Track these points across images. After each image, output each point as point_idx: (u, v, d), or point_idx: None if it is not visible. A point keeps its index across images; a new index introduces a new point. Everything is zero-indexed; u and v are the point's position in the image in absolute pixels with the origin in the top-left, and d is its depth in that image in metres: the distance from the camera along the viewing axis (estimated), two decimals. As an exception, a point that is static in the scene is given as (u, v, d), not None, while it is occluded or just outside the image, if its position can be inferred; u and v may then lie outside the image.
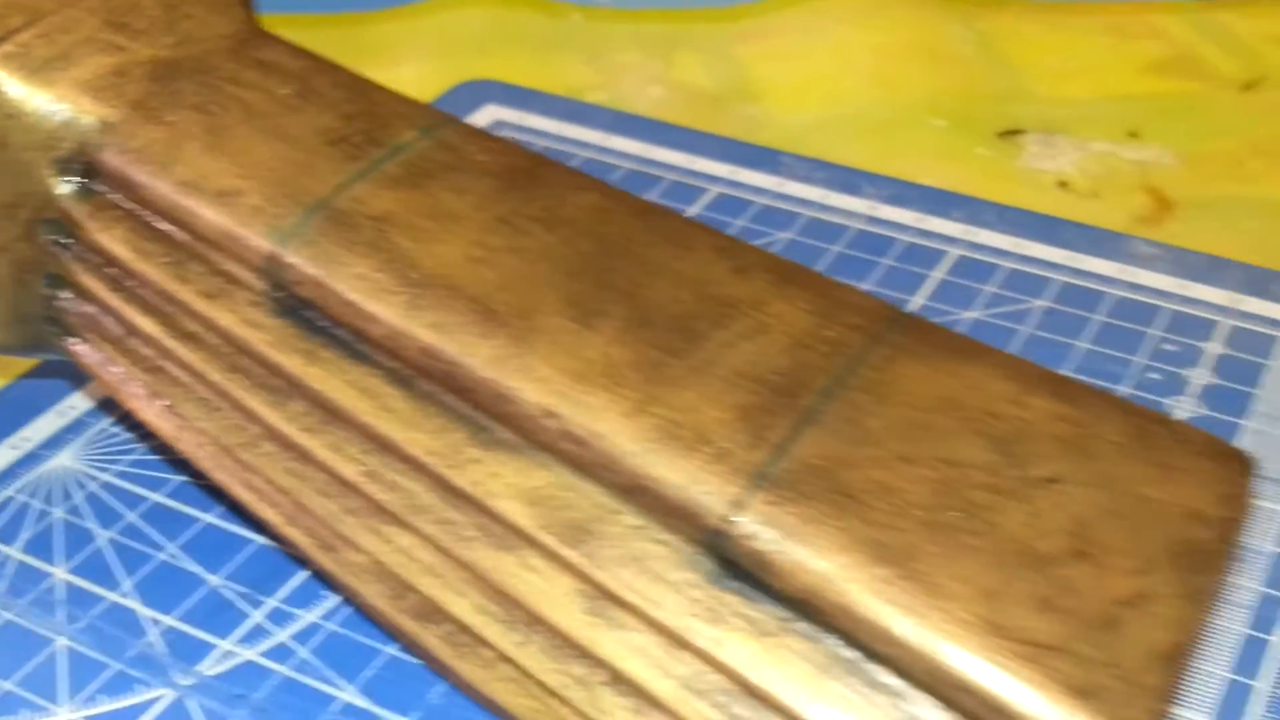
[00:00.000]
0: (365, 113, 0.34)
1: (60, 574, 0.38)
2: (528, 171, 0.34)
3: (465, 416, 0.31)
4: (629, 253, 0.32)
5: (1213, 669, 0.36)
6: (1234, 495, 0.30)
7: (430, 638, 0.33)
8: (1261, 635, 0.37)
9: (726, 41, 0.64)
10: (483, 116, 0.56)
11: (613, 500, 0.30)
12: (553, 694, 0.31)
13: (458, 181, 0.33)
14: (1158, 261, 0.49)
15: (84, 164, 0.34)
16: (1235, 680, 0.36)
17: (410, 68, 0.60)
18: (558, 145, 0.55)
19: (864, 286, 0.48)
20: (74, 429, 0.42)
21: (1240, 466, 0.31)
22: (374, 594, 0.33)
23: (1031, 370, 0.32)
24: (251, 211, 0.32)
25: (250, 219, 0.32)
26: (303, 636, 0.37)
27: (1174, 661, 0.27)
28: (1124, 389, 0.44)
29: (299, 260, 0.31)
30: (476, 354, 0.30)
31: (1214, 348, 0.46)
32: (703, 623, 0.29)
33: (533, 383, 0.30)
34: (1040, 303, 0.48)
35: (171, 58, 0.34)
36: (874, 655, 0.28)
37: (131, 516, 0.40)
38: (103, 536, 0.39)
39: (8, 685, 0.35)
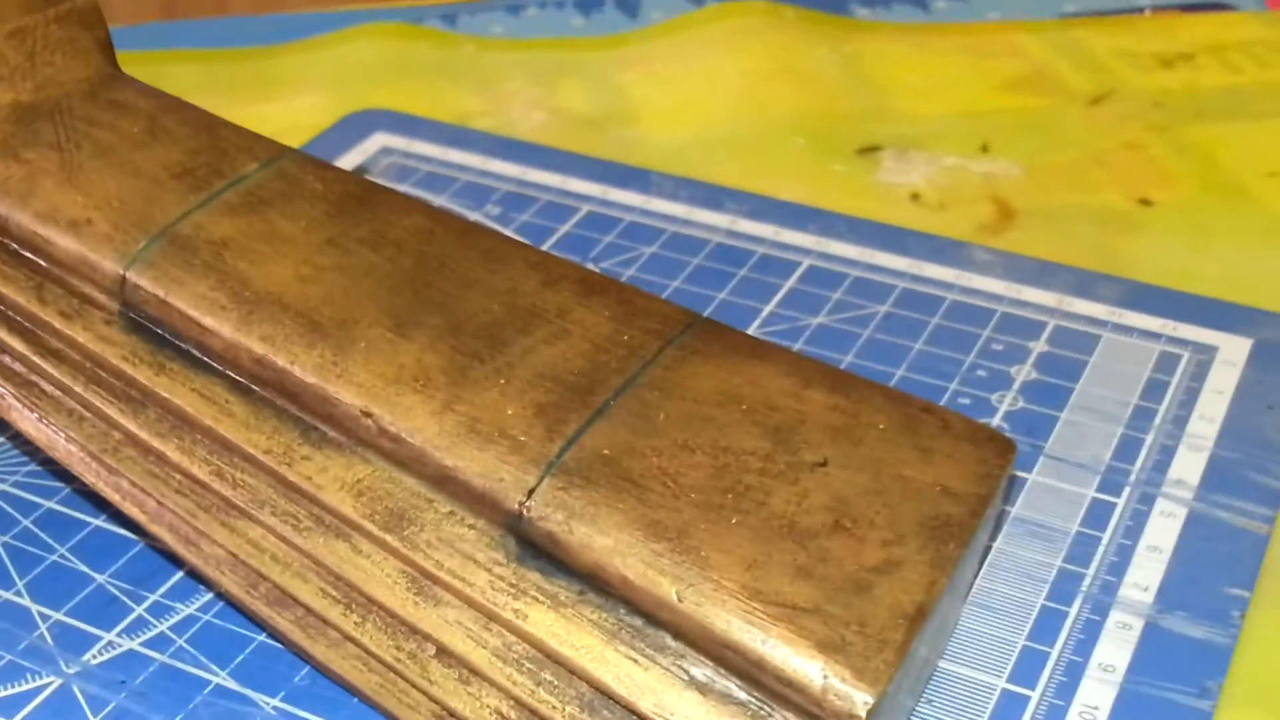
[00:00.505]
0: (210, 147, 0.38)
1: (-43, 576, 0.41)
2: (359, 197, 0.37)
3: (296, 418, 0.34)
4: (447, 269, 0.36)
5: (1011, 636, 0.40)
6: (987, 474, 0.34)
7: (283, 622, 0.36)
8: (1059, 606, 0.41)
9: (607, 69, 0.67)
10: (371, 144, 0.60)
11: (427, 490, 0.33)
12: (390, 669, 0.35)
13: (292, 208, 0.37)
14: (993, 267, 0.53)
15: (-46, 200, 0.37)
16: (1030, 647, 0.39)
17: (307, 99, 0.63)
18: (441, 169, 0.58)
19: (721, 296, 0.51)
20: (-27, 443, 0.46)
21: (996, 448, 0.35)
22: (231, 584, 0.36)
23: (812, 367, 0.36)
24: (101, 239, 0.35)
25: (100, 246, 0.35)
26: (180, 628, 0.40)
27: (917, 620, 0.31)
28: (953, 386, 0.47)
29: (144, 282, 0.35)
30: (302, 362, 0.33)
31: (1039, 346, 0.49)
32: (508, 597, 0.32)
33: (351, 387, 0.33)
34: (882, 308, 0.51)
35: (31, 101, 0.38)
36: (655, 621, 0.31)
37: (25, 522, 0.43)
38: (-2, 541, 0.42)
39: (-96, 677, 0.38)
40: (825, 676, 0.30)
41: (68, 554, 0.42)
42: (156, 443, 0.35)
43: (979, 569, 0.41)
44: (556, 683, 0.32)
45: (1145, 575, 0.41)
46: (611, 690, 0.31)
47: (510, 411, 0.33)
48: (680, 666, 0.31)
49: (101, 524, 0.43)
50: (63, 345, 0.36)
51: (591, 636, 0.32)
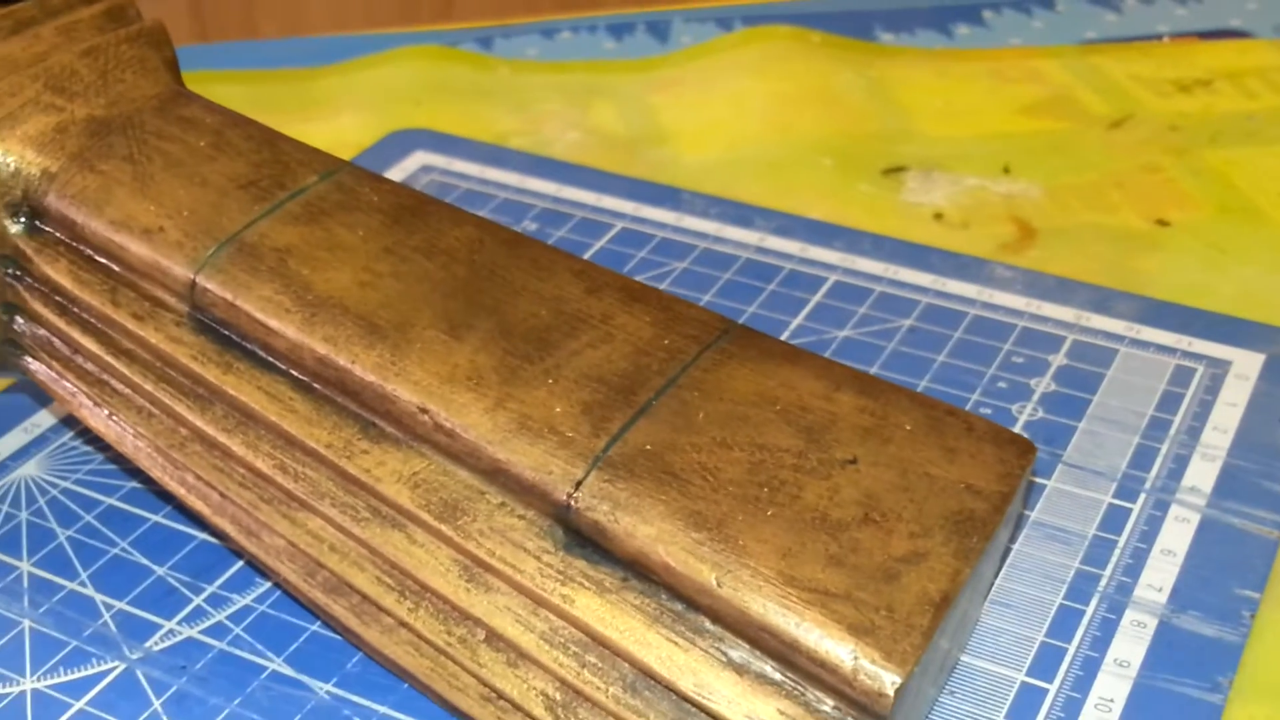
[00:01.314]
0: (272, 160, 0.40)
1: (25, 567, 0.43)
2: (412, 209, 0.40)
3: (355, 415, 0.36)
4: (497, 276, 0.38)
5: (1030, 633, 0.42)
6: (1008, 473, 0.36)
7: (339, 609, 0.38)
8: (1077, 605, 0.42)
9: (639, 91, 0.69)
10: (412, 162, 0.62)
11: (479, 482, 0.35)
12: (441, 652, 0.37)
13: (350, 218, 0.39)
14: (1014, 283, 0.55)
15: (31, 207, 0.39)
16: (1049, 643, 0.41)
17: (349, 118, 0.65)
18: (479, 187, 0.60)
19: (750, 310, 0.53)
20: (38, 443, 0.48)
21: (1017, 450, 0.37)
22: (290, 572, 0.38)
23: (842, 371, 0.38)
24: (173, 246, 0.37)
25: (172, 252, 0.37)
26: (237, 617, 0.42)
27: (942, 607, 0.33)
28: (975, 396, 0.49)
29: (213, 286, 0.37)
30: (362, 362, 0.36)
31: (1058, 360, 0.51)
32: (556, 584, 0.34)
33: (409, 385, 0.35)
34: (906, 322, 0.53)
35: (105, 116, 0.40)
36: (695, 606, 0.33)
37: (88, 517, 0.45)
38: (63, 535, 0.44)
39: (-23, 661, 0.40)
40: (856, 658, 0.31)
41: (129, 547, 0.44)
42: (222, 438, 0.37)
43: (1000, 568, 0.42)
44: (601, 664, 0.34)
45: (1159, 577, 0.43)
46: (653, 671, 0.33)
47: (558, 409, 0.35)
48: (719, 649, 0.33)
49: (161, 519, 0.45)
50: (134, 345, 0.38)
51: (634, 620, 0.34)
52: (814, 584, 0.32)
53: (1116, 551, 0.44)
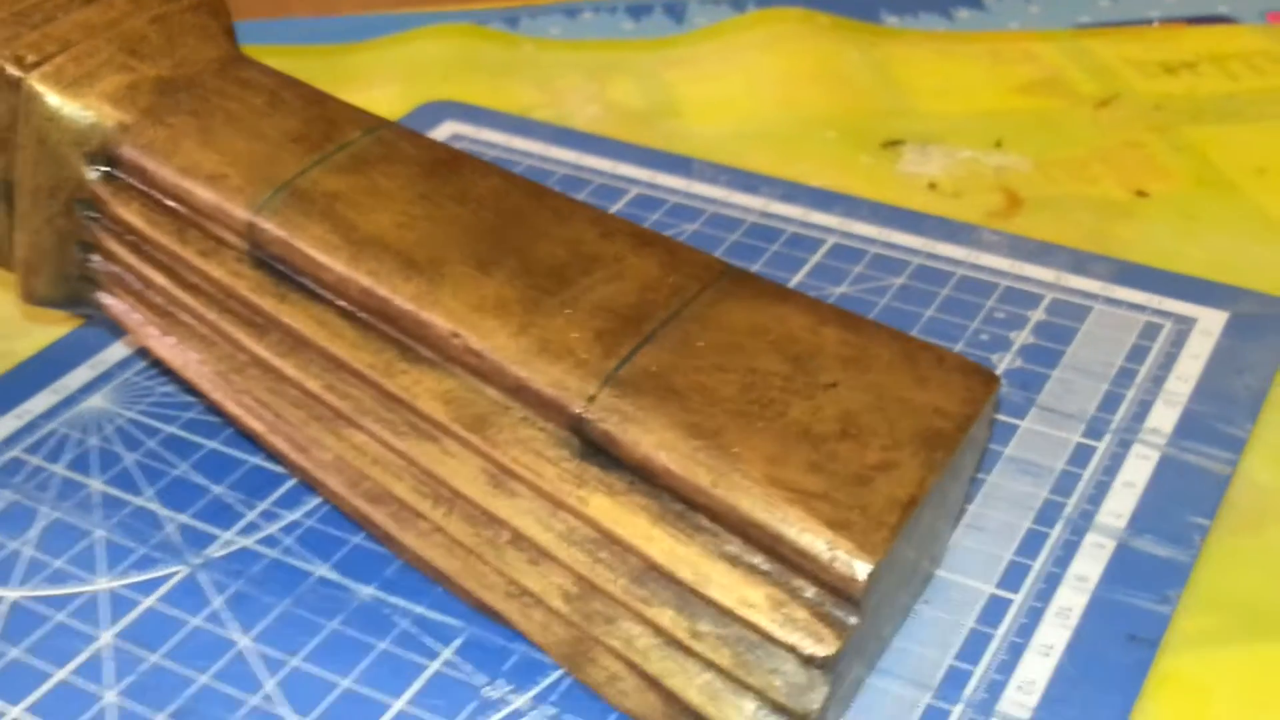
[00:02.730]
0: (321, 117, 0.45)
1: (96, 485, 0.48)
2: (446, 162, 0.44)
3: (395, 340, 0.41)
4: (521, 221, 0.43)
5: (1000, 552, 0.46)
6: (972, 398, 0.40)
7: (380, 516, 0.43)
8: (1043, 529, 0.47)
9: (655, 67, 0.74)
10: (442, 131, 0.67)
11: (504, 398, 0.40)
12: (471, 553, 0.41)
13: (390, 168, 0.43)
14: (999, 247, 0.59)
15: (107, 156, 0.44)
16: (1017, 561, 0.46)
17: (381, 90, 0.70)
18: (505, 155, 0.65)
19: (754, 268, 0.58)
20: (104, 378, 0.52)
21: (982, 379, 0.41)
22: (337, 484, 0.43)
23: (828, 309, 0.42)
24: (234, 190, 0.42)
25: (233, 196, 0.42)
26: (288, 530, 0.47)
27: (909, 507, 0.37)
28: (958, 347, 0.54)
29: (270, 226, 0.42)
30: (401, 292, 0.40)
31: (1037, 315, 0.56)
32: (572, 487, 0.39)
33: (442, 313, 0.40)
34: (898, 280, 0.58)
35: (172, 76, 0.45)
36: (694, 505, 0.38)
37: (151, 443, 0.50)
38: (129, 458, 0.49)
39: (59, 564, 0.45)
40: (832, 548, 0.36)
41: (189, 469, 0.49)
42: (277, 362, 0.42)
43: (969, 494, 0.47)
44: (611, 559, 0.39)
45: (1120, 505, 0.48)
46: (657, 563, 0.38)
47: (574, 335, 0.39)
48: (714, 543, 0.38)
49: (218, 445, 0.49)
50: (199, 279, 0.43)
51: (640, 519, 0.38)
52: (796, 486, 0.37)
53: (1081, 483, 0.48)
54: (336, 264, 0.41)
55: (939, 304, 0.56)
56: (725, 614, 0.37)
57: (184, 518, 0.47)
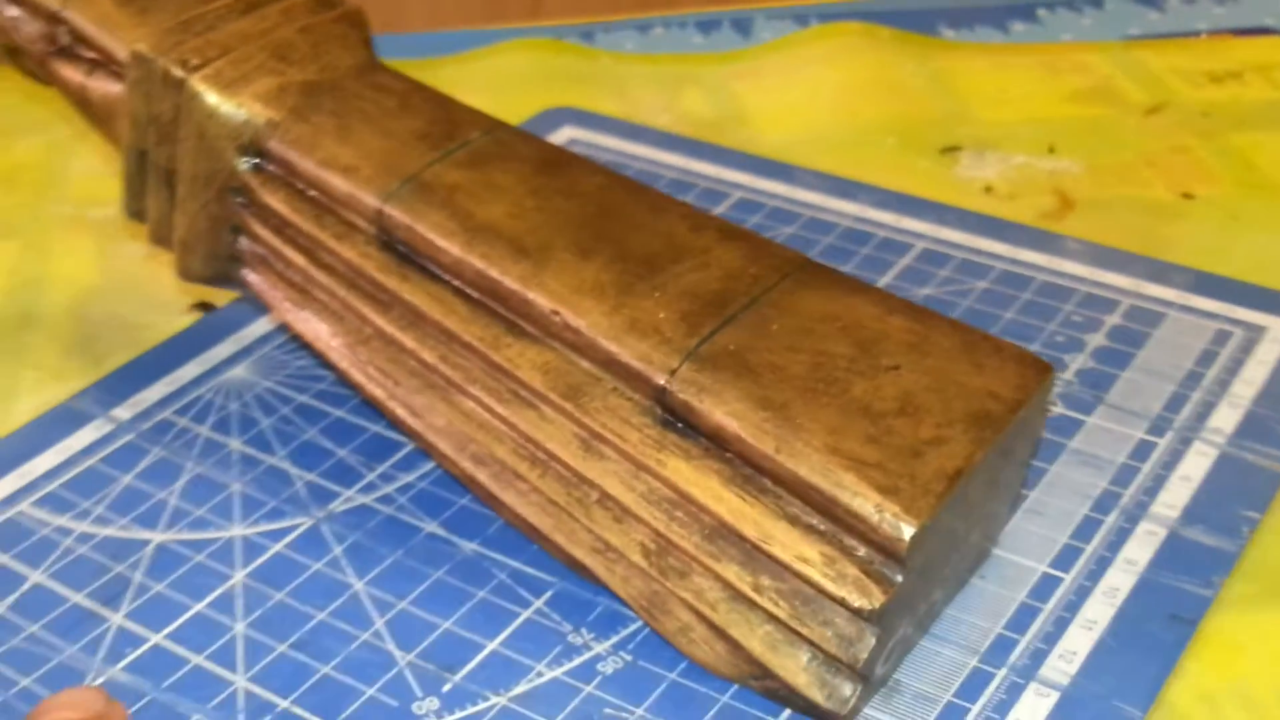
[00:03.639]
0: (444, 119, 0.50)
1: (235, 445, 0.54)
2: (555, 160, 0.49)
3: (502, 316, 0.46)
4: (620, 215, 0.47)
5: (1056, 535, 0.49)
6: (1024, 385, 0.44)
7: (484, 476, 0.47)
8: (1099, 516, 0.50)
9: (724, 79, 0.79)
10: (561, 135, 0.72)
11: (596, 370, 0.44)
12: (563, 511, 0.46)
13: (505, 165, 0.48)
14: (1081, 255, 0.63)
15: (257, 149, 0.49)
16: (1071, 544, 0.49)
17: (472, 100, 0.75)
18: (619, 159, 0.70)
19: (845, 268, 0.62)
20: (247, 350, 0.58)
21: (1037, 369, 0.45)
22: (447, 447, 0.48)
23: (896, 301, 0.46)
24: (366, 181, 0.47)
25: (365, 186, 0.47)
26: (402, 490, 0.52)
27: (955, 479, 0.41)
28: (1034, 348, 0.57)
29: (396, 213, 0.47)
30: (510, 274, 0.45)
31: (1112, 320, 0.59)
32: (653, 451, 0.43)
33: (545, 293, 0.45)
34: (982, 284, 0.61)
35: (316, 79, 0.50)
36: (760, 470, 0.42)
37: (286, 410, 0.55)
38: (265, 422, 0.55)
39: (200, 512, 0.51)
40: (881, 511, 0.40)
41: (318, 434, 0.54)
42: (397, 335, 0.47)
43: (1025, 479, 0.50)
44: (685, 518, 0.43)
45: (1174, 497, 0.51)
46: (725, 521, 0.42)
47: (661, 315, 0.44)
48: (777, 505, 0.42)
49: (344, 414, 0.55)
50: (332, 260, 0.48)
51: (713, 481, 0.42)
52: (853, 455, 0.41)
53: (1140, 476, 0.52)
54: (453, 248, 0.46)
55: (1019, 307, 0.60)
56: (784, 569, 0.41)
57: (311, 476, 0.52)
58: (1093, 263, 0.62)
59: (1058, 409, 0.55)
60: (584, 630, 0.46)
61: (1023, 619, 0.47)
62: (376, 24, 0.54)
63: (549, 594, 0.48)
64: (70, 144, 0.73)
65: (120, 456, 0.53)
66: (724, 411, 0.42)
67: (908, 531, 0.40)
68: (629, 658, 0.45)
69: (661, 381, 0.43)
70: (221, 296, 0.60)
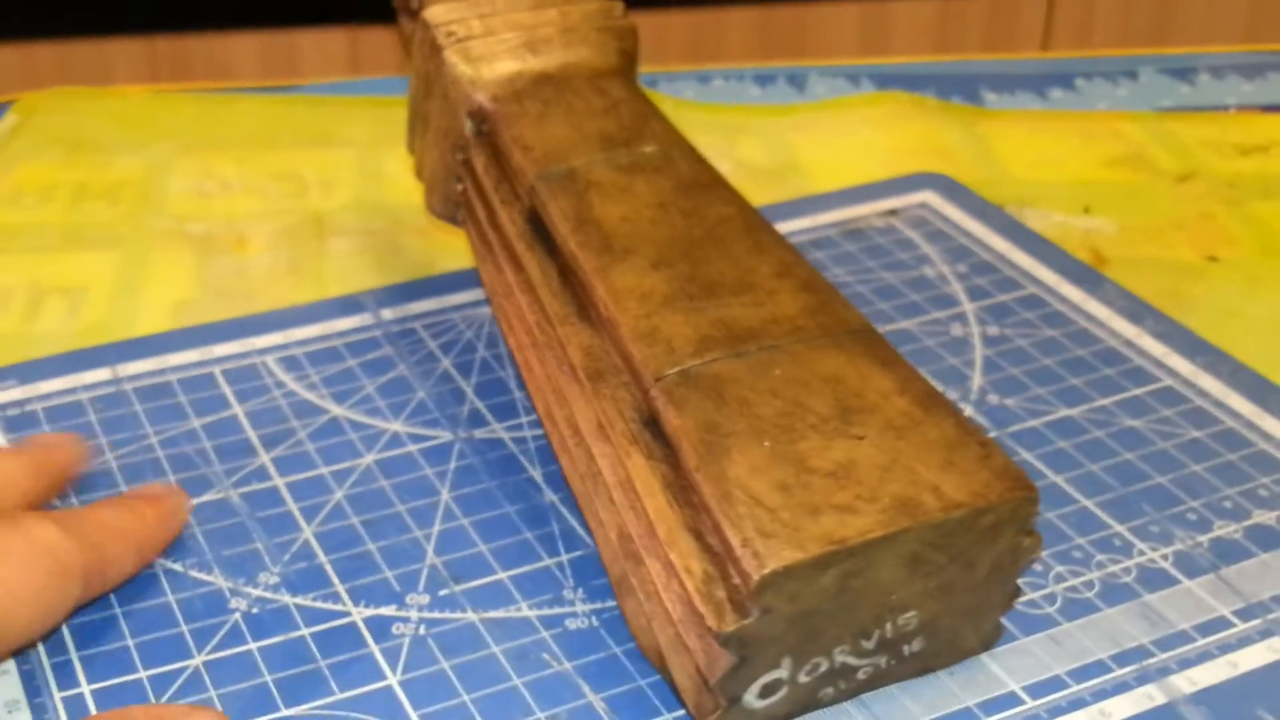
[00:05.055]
0: (634, 128, 0.56)
1: (445, 363, 0.63)
2: (703, 184, 0.55)
3: (578, 299, 0.52)
4: (719, 244, 0.52)
5: (1055, 669, 0.50)
6: (982, 494, 0.45)
7: (553, 435, 0.54)
8: (1110, 665, 0.50)
9: (779, 130, 0.84)
10: (916, 197, 0.76)
11: (620, 363, 0.50)
12: (584, 481, 0.52)
13: (654, 178, 0.54)
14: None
15: (480, 117, 0.58)
16: (1060, 677, 0.49)
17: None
18: (966, 240, 0.73)
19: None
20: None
21: (1012, 485, 0.45)
22: (539, 403, 0.55)
23: (920, 386, 0.48)
24: (534, 161, 0.55)
25: (530, 164, 0.55)
26: (537, 438, 0.59)
27: (839, 547, 0.44)
28: (1197, 507, 0.56)
29: (541, 191, 0.54)
30: (587, 265, 0.52)
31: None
32: (627, 444, 0.48)
33: (605, 287, 0.51)
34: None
35: (551, 73, 0.58)
36: (688, 484, 0.46)
37: (501, 349, 0.64)
38: (479, 353, 0.64)
39: (380, 403, 0.61)
40: (745, 546, 0.43)
41: (507, 374, 0.63)
42: (519, 295, 0.55)
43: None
44: (638, 510, 0.48)
45: (1203, 675, 0.49)
46: (651, 519, 0.47)
47: (684, 331, 0.49)
48: (693, 517, 0.46)
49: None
50: (500, 221, 0.57)
51: (656, 483, 0.47)
52: (756, 494, 0.45)
53: (1188, 646, 0.50)
54: (562, 230, 0.53)
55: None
56: (674, 575, 0.46)
57: (479, 404, 0.61)
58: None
59: (1167, 563, 0.54)
60: (580, 590, 0.52)
61: None
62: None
63: (578, 554, 0.54)
64: (169, 162, 0.80)
65: (359, 345, 0.64)
66: (677, 423, 0.47)
67: (758, 572, 0.43)
68: (595, 623, 0.51)
69: (647, 385, 0.48)
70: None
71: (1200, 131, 0.85)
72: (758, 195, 0.76)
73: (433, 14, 0.59)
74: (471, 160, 0.58)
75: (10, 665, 0.49)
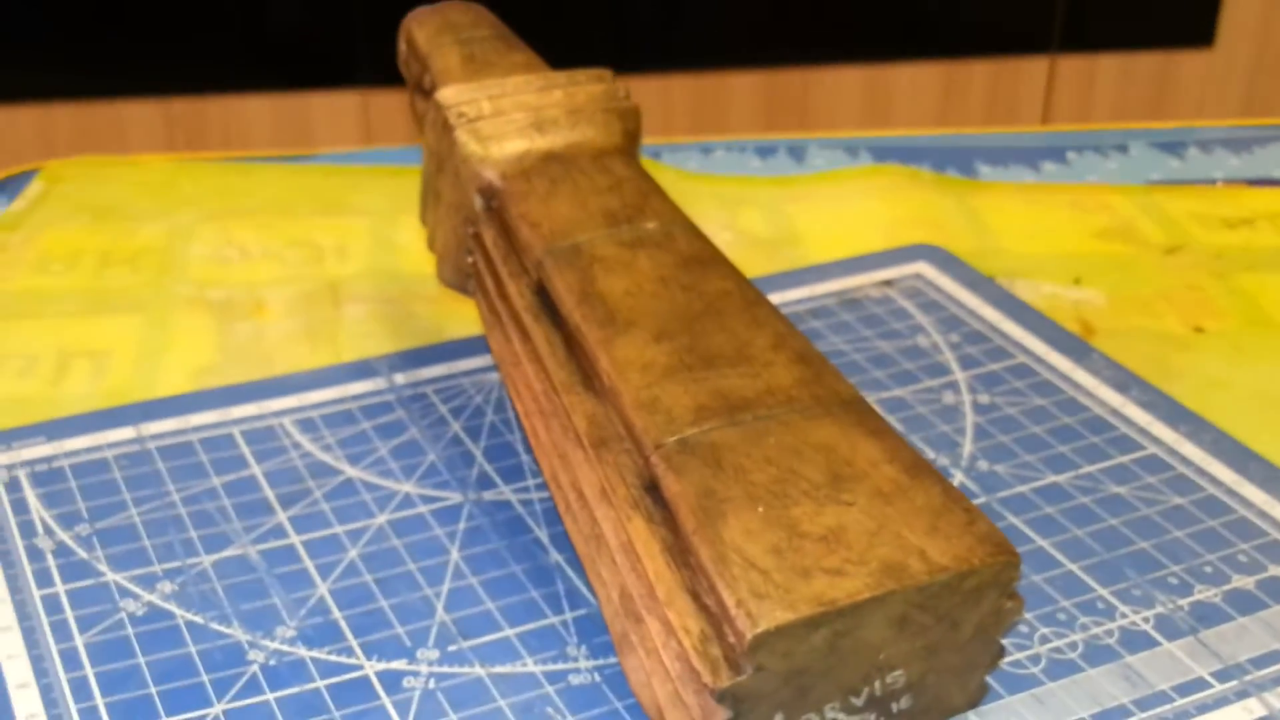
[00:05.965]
0: (637, 205, 0.59)
1: (455, 426, 0.66)
2: (702, 260, 0.57)
3: (583, 370, 0.55)
4: (718, 317, 0.55)
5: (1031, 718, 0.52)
6: (964, 558, 0.48)
7: (558, 499, 0.57)
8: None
9: (779, 201, 0.87)
10: (910, 268, 0.79)
11: (622, 431, 0.53)
12: (588, 543, 0.54)
13: (655, 254, 0.57)
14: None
15: (489, 193, 0.61)
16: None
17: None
18: (960, 312, 0.75)
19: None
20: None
21: (993, 551, 0.48)
22: (546, 467, 0.58)
23: (908, 455, 0.51)
24: (540, 236, 0.58)
25: (538, 240, 0.58)
26: (543, 501, 0.62)
27: (829, 608, 0.46)
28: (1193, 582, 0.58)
29: (546, 265, 0.57)
30: (592, 336, 0.54)
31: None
32: (629, 509, 0.51)
33: (608, 358, 0.53)
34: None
35: (557, 151, 0.61)
36: (686, 547, 0.49)
37: (509, 414, 0.67)
38: (488, 418, 0.66)
39: (393, 465, 0.63)
40: (740, 606, 0.46)
41: (517, 439, 0.65)
42: (526, 364, 0.57)
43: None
44: (639, 572, 0.50)
45: (1183, 735, 0.52)
46: (650, 581, 0.49)
47: (683, 402, 0.51)
48: (691, 579, 0.48)
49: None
50: (507, 293, 0.59)
51: (655, 546, 0.49)
52: (751, 557, 0.47)
53: (1165, 707, 0.52)
54: (568, 303, 0.56)
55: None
56: (672, 634, 0.48)
57: (488, 467, 0.63)
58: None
59: (1149, 625, 0.56)
60: (583, 647, 0.55)
61: (932, 776, 0.50)
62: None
63: (582, 612, 0.56)
64: (190, 230, 0.83)
65: (373, 409, 0.67)
66: (676, 488, 0.49)
67: (751, 631, 0.45)
68: (598, 679, 0.53)
69: (648, 452, 0.51)
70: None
71: (1188, 204, 0.88)
72: (758, 264, 0.80)
73: (445, 95, 0.62)
74: (481, 234, 0.61)
75: (38, 709, 0.51)
